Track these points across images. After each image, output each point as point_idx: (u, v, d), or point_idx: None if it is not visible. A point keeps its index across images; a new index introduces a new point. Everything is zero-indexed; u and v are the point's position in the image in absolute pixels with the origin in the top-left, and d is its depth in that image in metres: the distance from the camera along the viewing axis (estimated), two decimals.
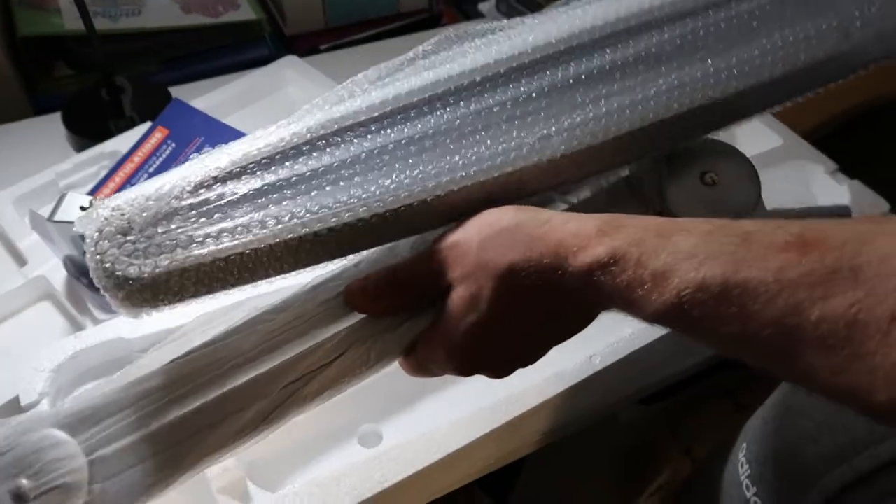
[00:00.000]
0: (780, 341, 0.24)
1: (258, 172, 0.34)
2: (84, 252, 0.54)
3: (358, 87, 0.37)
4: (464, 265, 0.33)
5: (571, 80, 0.36)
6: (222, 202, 0.33)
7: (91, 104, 0.77)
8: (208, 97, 0.73)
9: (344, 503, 0.42)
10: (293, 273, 0.35)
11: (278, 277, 0.35)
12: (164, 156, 0.66)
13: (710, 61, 0.36)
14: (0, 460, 0.32)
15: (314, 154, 0.34)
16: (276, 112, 0.75)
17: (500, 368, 0.36)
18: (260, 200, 0.33)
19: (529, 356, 0.35)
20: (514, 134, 0.35)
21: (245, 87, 0.76)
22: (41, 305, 0.59)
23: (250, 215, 0.33)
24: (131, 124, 0.71)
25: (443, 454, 0.45)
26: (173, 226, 0.33)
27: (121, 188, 0.64)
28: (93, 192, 0.64)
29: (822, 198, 0.66)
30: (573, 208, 0.39)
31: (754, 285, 0.25)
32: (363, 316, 0.36)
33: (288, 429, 0.37)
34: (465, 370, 0.36)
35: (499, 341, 0.34)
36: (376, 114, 0.35)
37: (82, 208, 0.51)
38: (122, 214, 0.33)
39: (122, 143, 0.68)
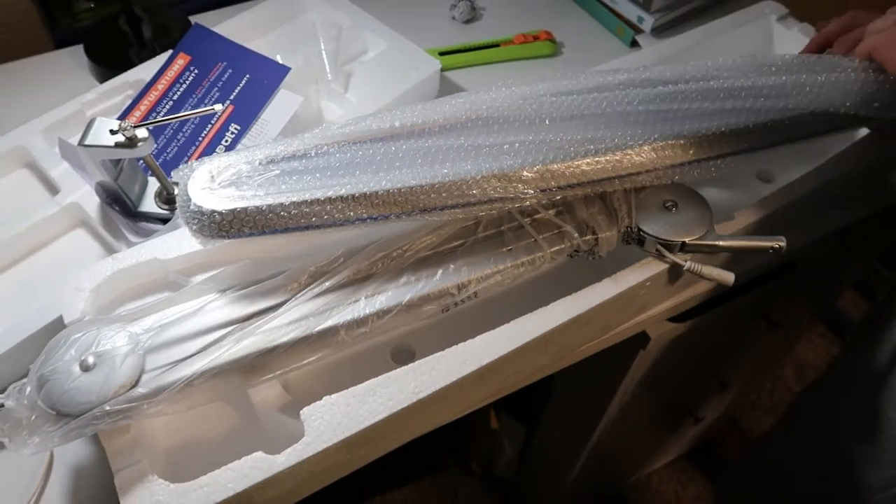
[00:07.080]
0: None
1: (308, 158, 0.46)
2: (116, 177, 0.55)
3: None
4: None
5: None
6: (279, 173, 0.44)
7: (112, 35, 0.77)
8: (228, 24, 0.72)
9: (380, 412, 0.43)
10: (326, 230, 0.44)
11: (313, 231, 0.44)
12: (187, 82, 0.66)
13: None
14: (80, 340, 0.43)
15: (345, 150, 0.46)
16: (299, 37, 0.73)
17: None
18: (306, 176, 0.44)
19: None
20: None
21: (265, 12, 0.75)
22: (76, 232, 0.60)
23: (299, 183, 0.44)
24: (152, 54, 0.71)
25: (475, 367, 0.46)
26: (244, 183, 0.43)
27: (147, 116, 0.64)
28: (121, 119, 0.64)
29: (777, 45, 0.73)
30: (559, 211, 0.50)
31: None
32: None
33: None
34: None
35: None
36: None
37: (112, 132, 0.52)
38: (209, 171, 0.44)
39: (145, 71, 0.68)
